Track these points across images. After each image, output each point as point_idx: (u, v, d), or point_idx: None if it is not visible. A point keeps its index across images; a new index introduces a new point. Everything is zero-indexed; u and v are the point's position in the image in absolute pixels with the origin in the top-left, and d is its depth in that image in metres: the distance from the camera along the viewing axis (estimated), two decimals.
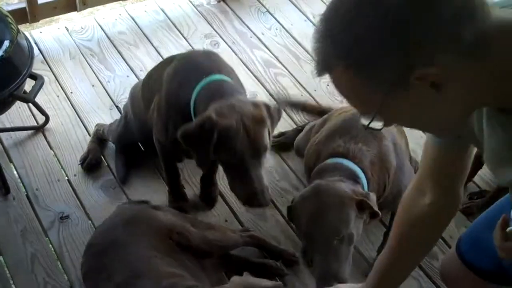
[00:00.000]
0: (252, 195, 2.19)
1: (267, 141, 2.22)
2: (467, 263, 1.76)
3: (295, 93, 3.22)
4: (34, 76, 2.58)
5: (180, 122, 2.29)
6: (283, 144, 2.96)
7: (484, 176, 2.77)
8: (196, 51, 2.25)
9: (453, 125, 1.10)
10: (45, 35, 3.52)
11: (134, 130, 2.73)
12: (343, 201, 1.99)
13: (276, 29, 3.64)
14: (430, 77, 0.97)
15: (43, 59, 3.35)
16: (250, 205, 2.26)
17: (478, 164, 2.40)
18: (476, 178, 2.76)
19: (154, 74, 2.53)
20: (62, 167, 2.87)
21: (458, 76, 0.98)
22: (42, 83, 2.60)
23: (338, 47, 1.00)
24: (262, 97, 3.21)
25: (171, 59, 2.50)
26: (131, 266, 1.95)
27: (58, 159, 2.90)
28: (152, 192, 2.76)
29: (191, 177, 2.85)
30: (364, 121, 1.08)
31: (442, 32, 0.94)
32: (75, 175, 2.83)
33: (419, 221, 1.54)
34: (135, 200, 2.58)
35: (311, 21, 3.65)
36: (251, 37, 3.58)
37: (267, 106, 2.28)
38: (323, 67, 1.04)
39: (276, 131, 2.99)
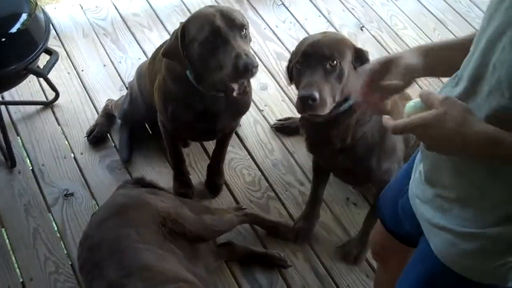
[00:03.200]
0: (236, 59, 2.04)
1: (244, 19, 2.18)
2: (390, 231, 1.76)
3: None
4: (49, 51, 2.57)
5: (183, 98, 2.31)
6: (287, 128, 3.01)
7: None
8: None
9: None
10: (59, 11, 3.51)
11: (140, 109, 2.74)
12: (344, 38, 2.12)
13: (290, 23, 3.64)
14: None
15: (56, 35, 3.35)
16: (238, 70, 2.05)
17: None
18: None
19: (158, 54, 2.49)
20: (69, 145, 2.87)
21: None
22: (57, 59, 2.59)
23: None
24: (273, 89, 3.22)
25: None
26: (123, 263, 1.93)
27: (65, 136, 2.90)
28: (157, 175, 2.78)
29: (197, 163, 2.86)
30: None
31: None
32: (81, 153, 2.83)
33: None
34: (132, 180, 2.53)
35: (325, 17, 3.65)
36: (264, 29, 3.57)
37: None
38: None
39: (283, 116, 3.08)
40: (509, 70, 1.10)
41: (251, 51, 2.14)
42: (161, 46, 2.54)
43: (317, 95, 1.93)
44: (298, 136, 2.94)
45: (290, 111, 3.10)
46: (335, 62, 1.99)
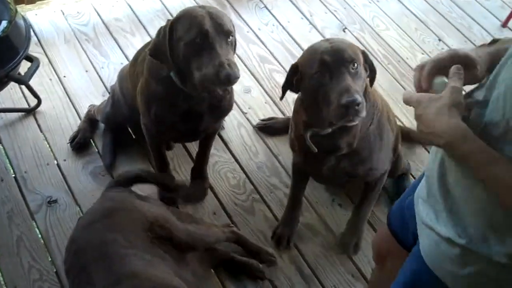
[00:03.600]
0: (219, 67, 2.05)
1: (231, 25, 2.18)
2: (395, 235, 1.77)
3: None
4: (30, 58, 2.56)
5: (166, 97, 2.30)
6: (270, 128, 3.02)
7: None
8: None
9: None
10: (41, 17, 3.49)
11: (123, 111, 2.72)
12: (353, 44, 2.10)
13: (273, 25, 3.65)
14: None
15: (37, 41, 3.33)
16: (219, 79, 2.06)
17: None
18: None
19: (140, 56, 2.50)
20: (52, 151, 2.85)
21: None
22: (38, 66, 2.58)
23: None
24: (256, 92, 3.22)
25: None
26: (111, 270, 1.92)
27: (48, 143, 2.88)
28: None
29: (181, 167, 2.85)
30: None
31: None
32: (64, 160, 2.81)
33: None
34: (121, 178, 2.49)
35: (307, 19, 3.66)
36: (247, 32, 3.58)
37: None
38: None
39: (266, 116, 3.09)
40: (505, 89, 1.13)
41: (235, 56, 2.15)
42: (142, 48, 2.53)
43: (359, 98, 1.92)
44: (281, 138, 2.96)
45: (274, 113, 3.11)
46: (355, 65, 1.99)
